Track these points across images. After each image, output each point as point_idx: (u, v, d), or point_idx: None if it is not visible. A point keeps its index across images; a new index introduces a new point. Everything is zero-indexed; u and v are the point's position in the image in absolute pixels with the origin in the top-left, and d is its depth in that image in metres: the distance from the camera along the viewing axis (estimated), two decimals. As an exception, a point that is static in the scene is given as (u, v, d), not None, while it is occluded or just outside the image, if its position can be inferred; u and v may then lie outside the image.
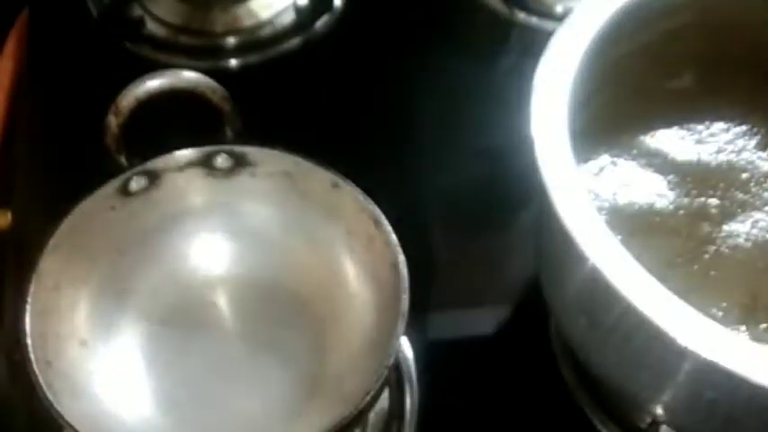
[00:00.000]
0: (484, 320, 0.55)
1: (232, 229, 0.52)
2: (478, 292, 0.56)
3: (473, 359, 0.53)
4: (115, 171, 0.48)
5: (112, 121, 0.47)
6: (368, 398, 0.43)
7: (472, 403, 0.52)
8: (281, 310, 0.51)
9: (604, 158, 0.49)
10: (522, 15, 0.67)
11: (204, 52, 0.67)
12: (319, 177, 0.49)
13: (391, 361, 0.43)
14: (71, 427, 0.42)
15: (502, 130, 0.59)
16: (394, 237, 0.47)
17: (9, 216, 0.57)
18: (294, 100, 0.63)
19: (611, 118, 0.49)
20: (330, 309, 0.50)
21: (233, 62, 0.66)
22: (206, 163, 0.50)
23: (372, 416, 0.50)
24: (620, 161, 0.49)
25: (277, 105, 0.62)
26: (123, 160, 0.49)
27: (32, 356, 0.44)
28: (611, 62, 0.46)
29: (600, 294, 0.38)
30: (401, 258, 0.46)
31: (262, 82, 0.64)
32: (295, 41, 0.67)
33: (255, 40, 0.67)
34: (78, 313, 0.48)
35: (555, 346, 0.53)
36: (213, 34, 0.67)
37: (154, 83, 0.47)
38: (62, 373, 0.45)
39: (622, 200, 0.48)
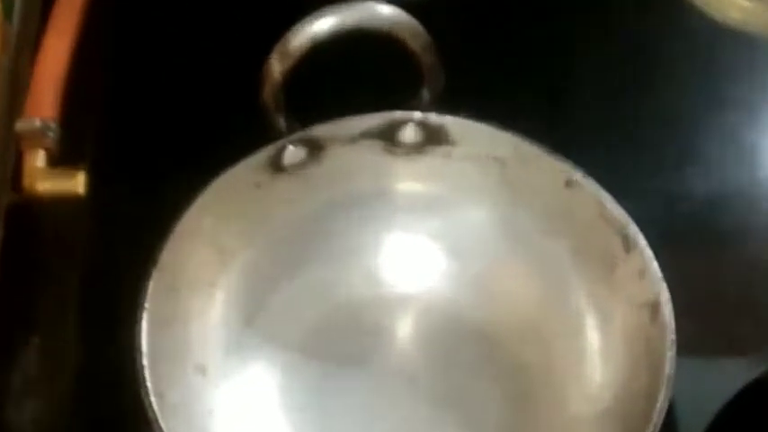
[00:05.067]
0: (738, 374, 0.55)
1: (412, 228, 0.52)
2: (733, 339, 0.55)
3: (722, 416, 0.52)
4: (268, 136, 0.48)
5: (275, 68, 0.46)
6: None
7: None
8: (472, 349, 0.50)
9: None
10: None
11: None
12: (548, 169, 0.49)
13: (654, 439, 0.43)
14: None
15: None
16: (656, 265, 0.46)
17: (81, 179, 0.58)
18: (495, 54, 0.62)
19: None
20: (540, 354, 0.50)
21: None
22: (387, 134, 0.50)
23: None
24: None
25: (471, 61, 0.60)
26: (281, 122, 0.48)
27: (148, 384, 0.43)
28: None
29: None
30: (665, 298, 0.46)
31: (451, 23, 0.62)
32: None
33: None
34: (198, 328, 0.48)
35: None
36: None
37: (337, 19, 0.46)
38: (174, 406, 0.45)
39: None
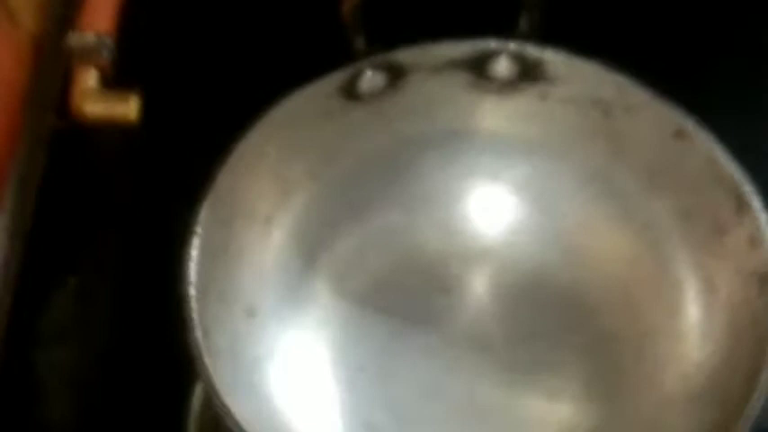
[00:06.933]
0: None
1: (497, 175, 0.52)
2: None
3: None
4: (345, 56, 0.49)
5: (360, -21, 0.46)
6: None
7: None
8: (554, 315, 0.51)
9: None
10: None
11: None
12: (655, 117, 0.49)
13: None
14: (238, 427, 0.42)
15: None
16: (772, 233, 0.46)
17: (135, 104, 0.58)
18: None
19: None
20: (631, 325, 0.50)
21: None
22: (477, 66, 0.50)
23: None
24: None
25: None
26: (360, 42, 0.49)
27: (194, 317, 0.44)
28: None
29: None
30: (782, 271, 0.45)
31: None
32: None
33: None
34: (251, 265, 0.49)
35: None
36: None
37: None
38: (220, 349, 0.45)
39: None
